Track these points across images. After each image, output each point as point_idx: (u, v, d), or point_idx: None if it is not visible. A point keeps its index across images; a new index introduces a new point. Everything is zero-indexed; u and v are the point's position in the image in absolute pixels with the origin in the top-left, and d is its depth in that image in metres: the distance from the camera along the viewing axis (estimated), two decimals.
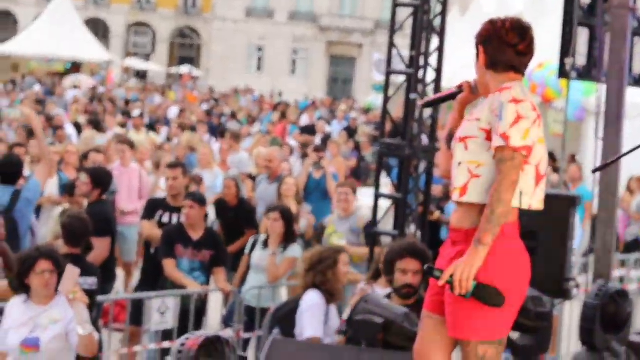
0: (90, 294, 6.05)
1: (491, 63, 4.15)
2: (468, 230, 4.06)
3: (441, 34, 9.64)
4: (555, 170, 13.37)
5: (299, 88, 56.04)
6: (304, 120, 26.69)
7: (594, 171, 5.10)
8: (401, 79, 9.99)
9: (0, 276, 6.94)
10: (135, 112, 23.27)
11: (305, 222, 10.62)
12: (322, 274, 6.74)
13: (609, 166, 5.76)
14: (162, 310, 7.70)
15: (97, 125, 17.22)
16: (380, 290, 6.55)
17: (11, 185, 8.24)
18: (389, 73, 9.87)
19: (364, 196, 12.41)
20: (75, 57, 43.76)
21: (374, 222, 9.65)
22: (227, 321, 8.48)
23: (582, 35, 8.47)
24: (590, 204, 11.95)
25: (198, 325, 7.93)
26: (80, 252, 7.14)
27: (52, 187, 10.36)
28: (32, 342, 5.62)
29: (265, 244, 8.49)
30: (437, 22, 9.63)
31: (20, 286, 5.80)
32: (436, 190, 11.74)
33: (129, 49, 61.83)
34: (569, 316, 9.18)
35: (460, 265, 3.93)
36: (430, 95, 9.40)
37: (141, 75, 56.56)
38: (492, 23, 4.17)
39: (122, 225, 10.77)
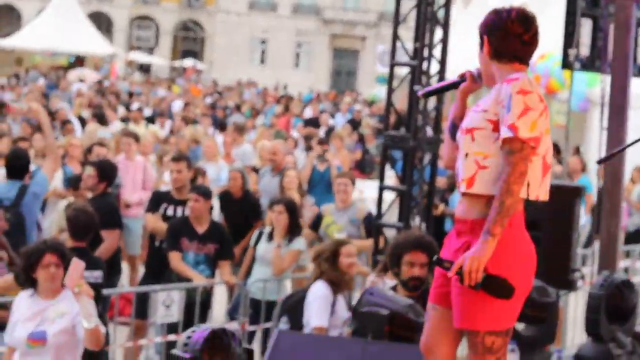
0: (96, 287, 6.04)
1: (495, 53, 4.12)
2: (474, 221, 4.04)
3: (445, 26, 9.63)
4: (560, 161, 13.35)
5: (303, 81, 56.00)
6: (308, 112, 26.67)
7: (599, 162, 5.08)
8: (405, 71, 9.99)
9: (3, 271, 6.95)
10: (134, 106, 23.28)
11: (309, 214, 10.62)
12: (323, 265, 6.90)
13: (613, 157, 5.75)
14: (168, 303, 7.70)
15: (101, 118, 17.21)
16: (391, 282, 6.56)
17: (18, 180, 8.21)
18: (392, 65, 9.87)
19: (369, 188, 12.41)
20: (78, 50, 43.81)
21: (378, 214, 9.65)
22: (232, 314, 8.48)
23: (586, 26, 8.46)
24: (591, 195, 11.93)
25: (203, 318, 7.93)
26: (86, 245, 7.14)
27: (56, 181, 10.36)
28: (39, 335, 5.63)
29: (270, 236, 8.50)
30: (440, 13, 9.62)
31: (27, 280, 5.79)
32: (441, 182, 11.74)
33: (133, 43, 61.77)
34: (573, 307, 9.18)
35: (469, 256, 3.92)
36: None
37: (145, 68, 56.55)
38: (496, 13, 4.14)
39: (127, 218, 10.77)
